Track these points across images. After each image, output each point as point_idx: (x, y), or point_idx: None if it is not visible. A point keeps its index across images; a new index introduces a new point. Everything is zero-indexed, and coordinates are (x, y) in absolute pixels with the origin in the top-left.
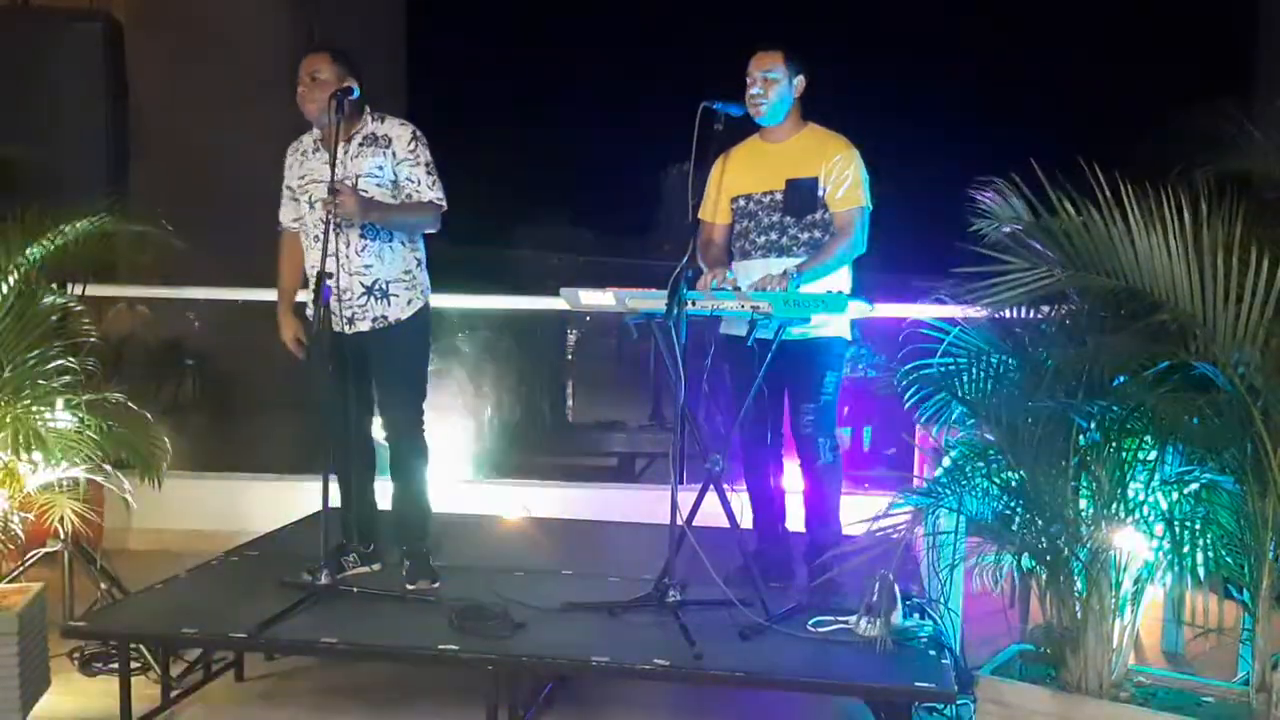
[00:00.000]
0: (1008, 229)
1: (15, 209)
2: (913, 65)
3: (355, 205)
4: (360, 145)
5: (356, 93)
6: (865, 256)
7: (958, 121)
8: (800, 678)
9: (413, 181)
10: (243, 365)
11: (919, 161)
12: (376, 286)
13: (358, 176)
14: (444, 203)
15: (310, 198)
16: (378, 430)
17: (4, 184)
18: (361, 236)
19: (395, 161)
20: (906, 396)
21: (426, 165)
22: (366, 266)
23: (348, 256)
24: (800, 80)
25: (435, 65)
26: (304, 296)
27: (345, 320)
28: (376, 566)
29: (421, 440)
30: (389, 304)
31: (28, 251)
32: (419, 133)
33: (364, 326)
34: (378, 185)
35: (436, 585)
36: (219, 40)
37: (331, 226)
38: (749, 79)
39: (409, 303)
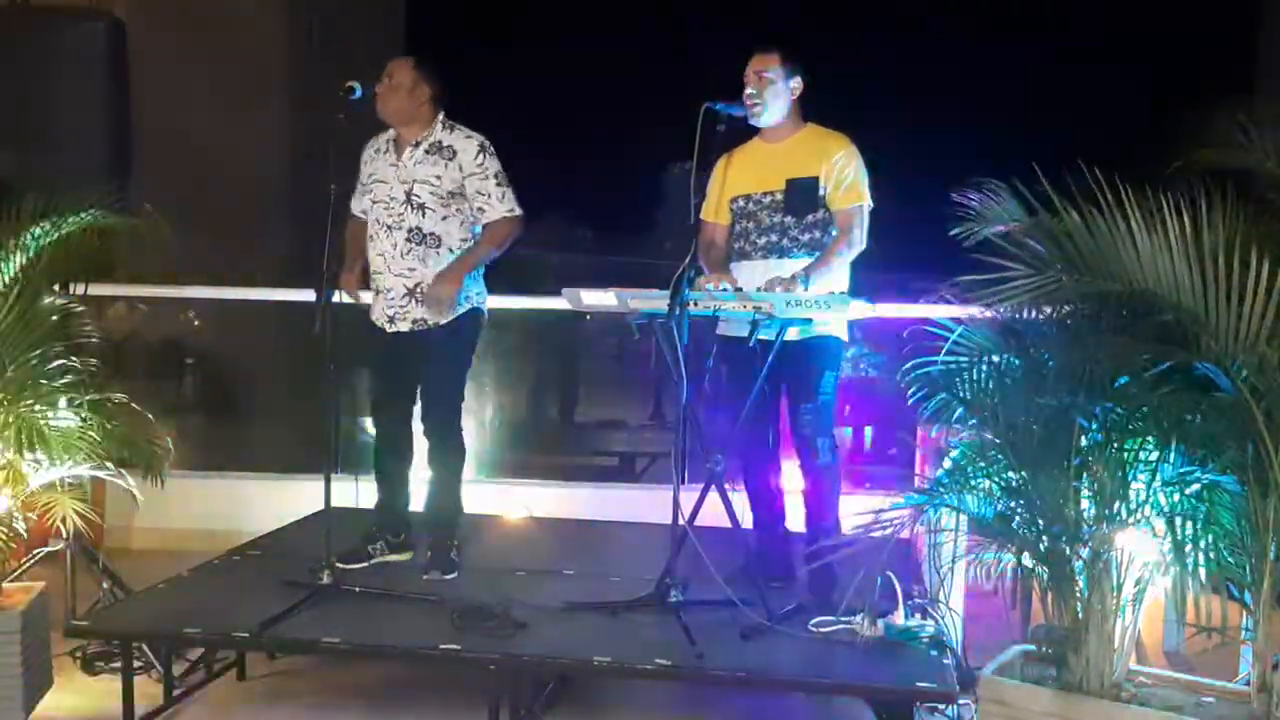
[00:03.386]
0: (1006, 228)
1: (15, 207)
2: (915, 66)
3: (448, 292)
4: (425, 152)
5: (358, 93)
6: (866, 256)
7: (960, 121)
8: (802, 678)
9: (483, 195)
10: (244, 364)
11: (921, 161)
12: (419, 289)
13: (414, 182)
14: (517, 211)
15: (374, 196)
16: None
17: (4, 183)
18: (408, 240)
19: (463, 175)
20: (908, 396)
21: (496, 176)
22: (410, 269)
23: (393, 257)
24: (797, 81)
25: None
26: (365, 296)
27: (387, 318)
28: (406, 555)
29: (456, 439)
30: (429, 307)
31: (27, 246)
32: (487, 144)
33: (404, 327)
34: (431, 193)
35: (449, 578)
36: (220, 40)
37: (371, 231)
38: (746, 80)
39: (450, 308)
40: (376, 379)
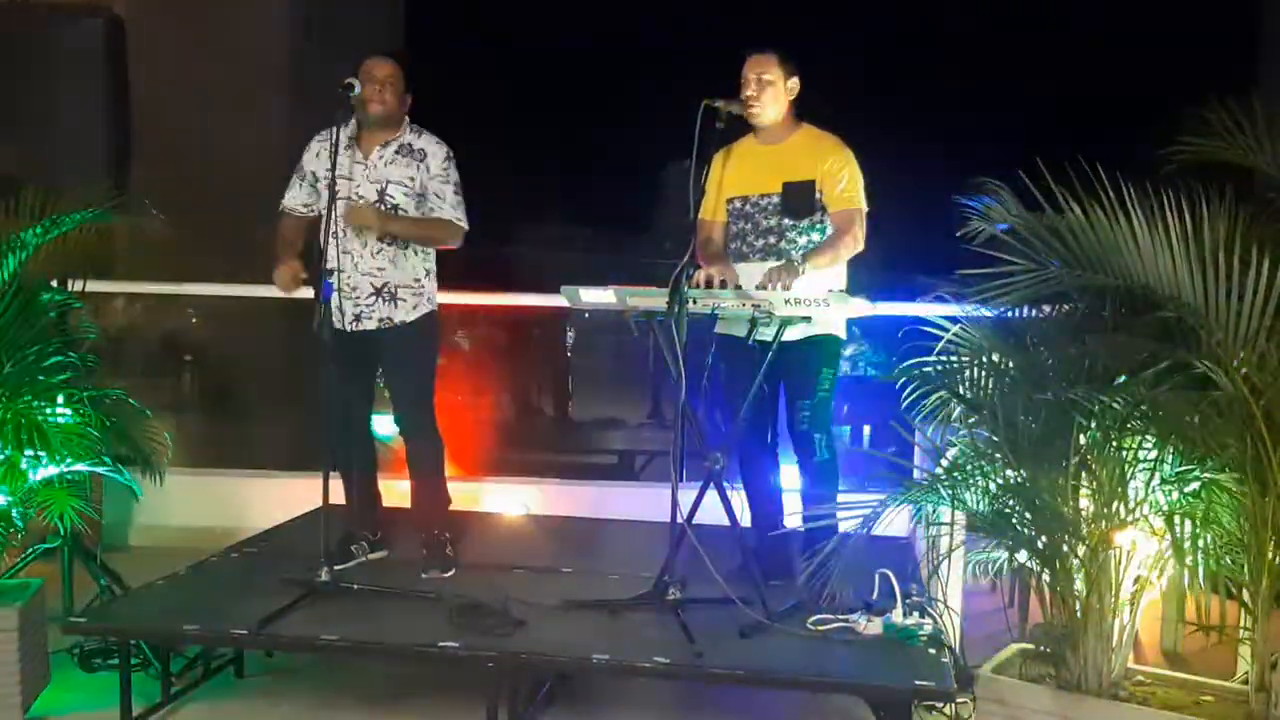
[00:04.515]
0: (1006, 226)
1: (14, 204)
2: (915, 65)
3: (374, 219)
4: (395, 153)
5: (357, 90)
6: (866, 254)
7: (961, 119)
8: (800, 676)
9: (439, 198)
10: (243, 362)
11: (921, 159)
12: (386, 290)
13: (387, 182)
14: (464, 222)
15: (337, 194)
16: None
17: (3, 181)
18: (379, 239)
19: (428, 176)
20: (906, 394)
21: (455, 185)
22: (379, 269)
23: (362, 256)
24: (795, 81)
25: (435, 63)
26: (308, 292)
27: (351, 318)
28: (384, 553)
29: (434, 436)
30: (395, 307)
31: (26, 243)
32: (452, 154)
33: (370, 325)
34: (405, 194)
35: (448, 575)
36: (220, 39)
37: (337, 228)
38: (744, 81)
39: (415, 308)
40: (336, 380)
